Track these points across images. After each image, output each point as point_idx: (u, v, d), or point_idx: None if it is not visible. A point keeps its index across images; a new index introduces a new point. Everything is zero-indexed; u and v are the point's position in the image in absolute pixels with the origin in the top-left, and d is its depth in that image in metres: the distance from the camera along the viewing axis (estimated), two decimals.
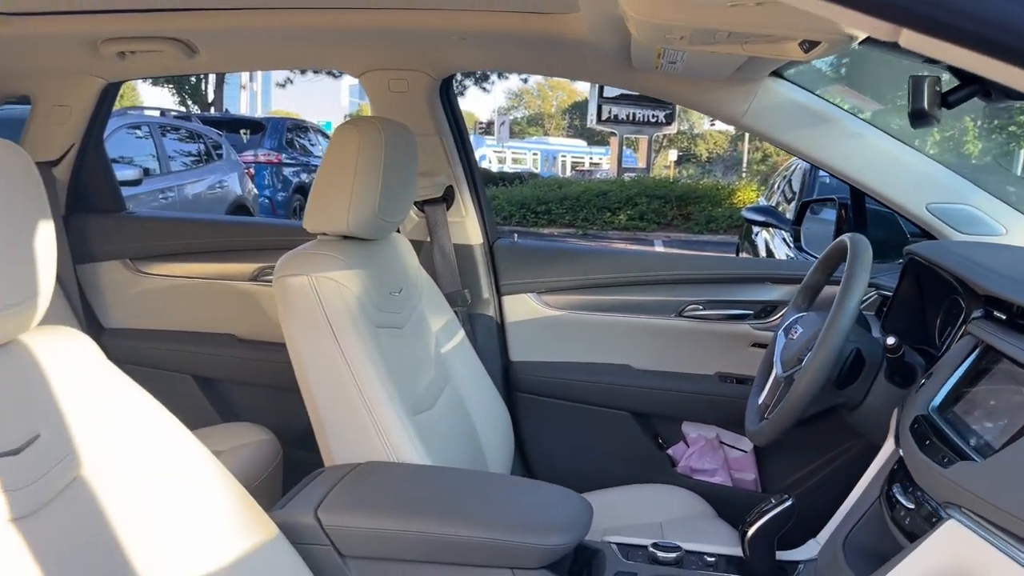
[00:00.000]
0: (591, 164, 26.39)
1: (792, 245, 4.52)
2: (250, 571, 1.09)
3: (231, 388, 2.33)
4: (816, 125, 1.76)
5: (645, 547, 1.35)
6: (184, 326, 2.33)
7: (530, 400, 2.12)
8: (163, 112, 8.60)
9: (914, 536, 1.10)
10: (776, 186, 6.69)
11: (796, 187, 5.55)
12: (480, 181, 2.15)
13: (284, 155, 10.15)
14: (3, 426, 0.86)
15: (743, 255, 6.08)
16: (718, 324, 2.02)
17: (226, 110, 20.18)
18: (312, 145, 11.28)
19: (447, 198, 2.07)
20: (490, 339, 2.09)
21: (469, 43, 1.82)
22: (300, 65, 2.49)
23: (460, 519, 1.23)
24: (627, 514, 1.77)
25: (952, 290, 1.62)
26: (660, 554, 1.31)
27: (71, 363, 0.98)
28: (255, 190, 9.30)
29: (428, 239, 2.08)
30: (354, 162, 1.51)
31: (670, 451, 2.08)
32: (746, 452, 2.04)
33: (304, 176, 10.46)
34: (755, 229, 5.60)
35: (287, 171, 10.14)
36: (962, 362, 1.27)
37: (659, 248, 11.47)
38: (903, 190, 1.78)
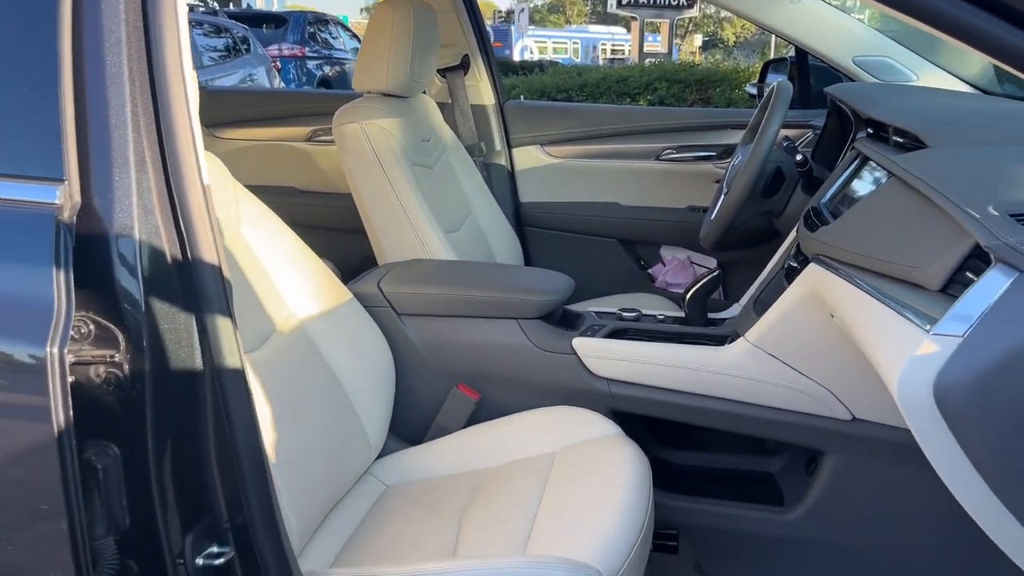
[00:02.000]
0: (630, 51, 25.80)
1: None
2: (336, 320, 1.61)
3: (295, 231, 2.85)
4: None
5: (614, 312, 1.85)
6: (253, 181, 2.81)
7: (537, 233, 2.61)
8: (191, 8, 8.89)
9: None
10: None
11: None
12: (492, 51, 2.57)
13: (307, 48, 10.42)
14: None
15: None
16: (688, 165, 2.47)
17: (247, 5, 20.20)
18: (334, 38, 11.49)
19: (464, 66, 2.50)
20: (503, 184, 2.56)
21: None
22: None
23: (481, 285, 1.73)
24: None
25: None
26: (624, 314, 1.82)
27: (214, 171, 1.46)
28: (283, 84, 9.65)
29: (449, 101, 2.52)
30: (390, 33, 1.95)
31: (650, 270, 2.57)
32: (711, 269, 2.52)
33: (327, 69, 10.72)
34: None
35: (311, 64, 10.44)
36: (846, 170, 1.72)
37: None
38: (833, 46, 2.19)
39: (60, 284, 0.89)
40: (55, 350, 0.87)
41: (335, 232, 2.65)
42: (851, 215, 1.43)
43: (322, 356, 1.54)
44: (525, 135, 2.58)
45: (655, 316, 1.84)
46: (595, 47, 26.82)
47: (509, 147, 2.58)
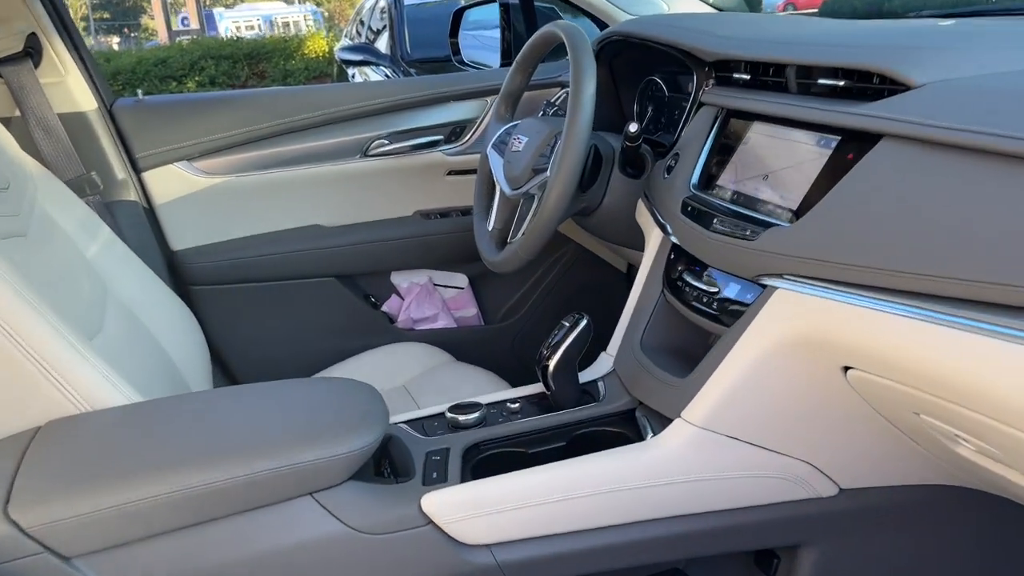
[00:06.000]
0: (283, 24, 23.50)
1: (402, 75, 4.43)
2: None
3: None
4: None
5: (440, 415, 1.15)
6: None
7: (209, 292, 1.74)
8: None
9: (724, 316, 1.05)
10: (355, 31, 6.66)
11: (377, 24, 5.58)
12: (73, 25, 1.59)
13: None
14: None
15: None
16: (408, 157, 1.80)
17: None
18: None
19: (32, 52, 1.51)
20: (140, 229, 1.64)
21: None
22: None
23: (212, 458, 0.91)
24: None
25: (648, 70, 1.58)
26: (461, 417, 1.13)
27: None
28: None
29: (16, 112, 1.52)
30: None
31: (384, 308, 1.87)
32: (463, 288, 1.91)
33: None
34: (350, 71, 5.55)
35: None
36: (707, 136, 1.22)
37: None
38: None
39: None
40: None
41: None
42: (824, 208, 0.92)
43: None
44: (158, 150, 1.67)
45: (504, 404, 1.18)
46: (270, 22, 24.43)
47: (137, 171, 1.66)
